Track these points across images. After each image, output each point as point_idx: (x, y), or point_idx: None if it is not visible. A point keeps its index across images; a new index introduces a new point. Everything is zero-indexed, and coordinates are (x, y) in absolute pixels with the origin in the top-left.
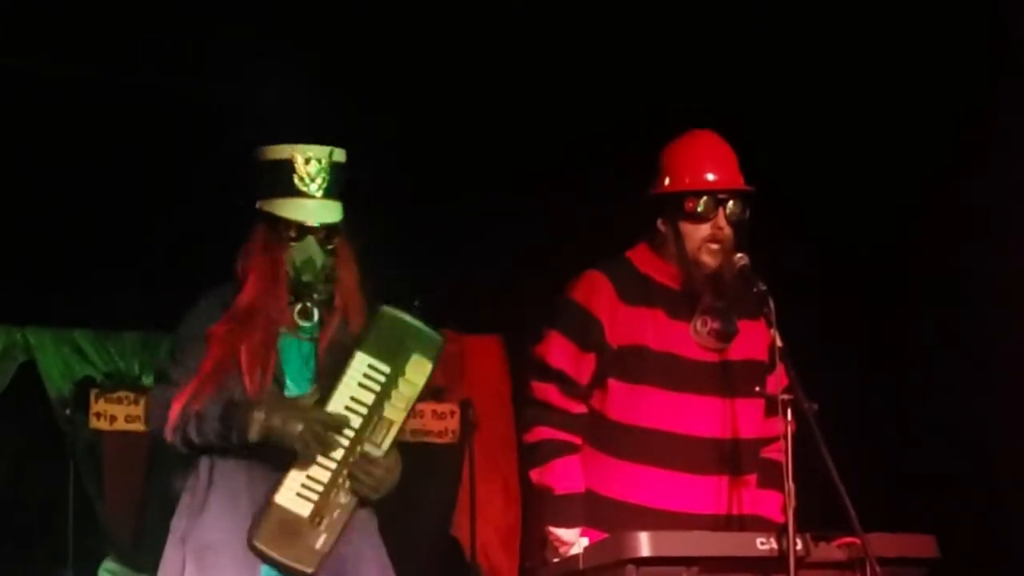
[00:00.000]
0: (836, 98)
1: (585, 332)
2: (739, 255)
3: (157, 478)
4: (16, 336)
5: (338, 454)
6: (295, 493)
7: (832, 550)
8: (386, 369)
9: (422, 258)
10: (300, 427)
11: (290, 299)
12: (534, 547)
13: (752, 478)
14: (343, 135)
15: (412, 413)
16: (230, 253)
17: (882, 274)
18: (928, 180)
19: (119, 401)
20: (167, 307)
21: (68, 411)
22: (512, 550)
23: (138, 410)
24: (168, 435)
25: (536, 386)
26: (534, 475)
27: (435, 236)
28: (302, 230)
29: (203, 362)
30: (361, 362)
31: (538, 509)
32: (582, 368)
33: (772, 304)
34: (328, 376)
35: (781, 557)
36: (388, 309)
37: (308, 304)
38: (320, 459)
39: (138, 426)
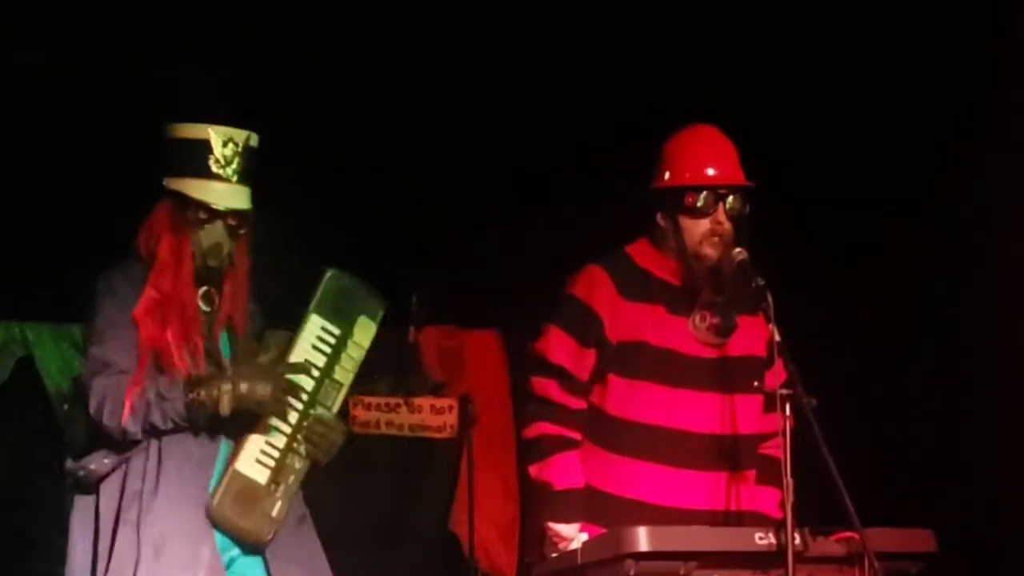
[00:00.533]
0: (836, 96)
1: (585, 328)
2: (738, 249)
3: None
4: (14, 331)
5: (293, 418)
6: (254, 459)
7: (830, 545)
8: (337, 331)
9: (422, 253)
10: (269, 388)
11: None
12: (533, 542)
13: (751, 474)
14: (344, 134)
15: (359, 374)
16: None
17: (882, 272)
18: (928, 179)
19: None
20: None
21: (66, 406)
22: (511, 545)
23: None
24: (127, 423)
25: (536, 381)
26: (533, 470)
27: (434, 231)
28: (213, 214)
29: (140, 348)
30: (315, 324)
31: (537, 504)
32: (582, 364)
33: (770, 298)
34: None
35: (779, 552)
36: (333, 270)
37: (211, 289)
38: (276, 423)
39: None
